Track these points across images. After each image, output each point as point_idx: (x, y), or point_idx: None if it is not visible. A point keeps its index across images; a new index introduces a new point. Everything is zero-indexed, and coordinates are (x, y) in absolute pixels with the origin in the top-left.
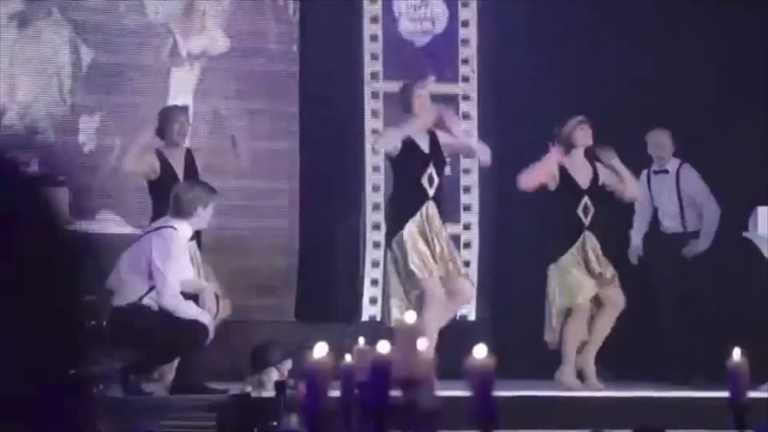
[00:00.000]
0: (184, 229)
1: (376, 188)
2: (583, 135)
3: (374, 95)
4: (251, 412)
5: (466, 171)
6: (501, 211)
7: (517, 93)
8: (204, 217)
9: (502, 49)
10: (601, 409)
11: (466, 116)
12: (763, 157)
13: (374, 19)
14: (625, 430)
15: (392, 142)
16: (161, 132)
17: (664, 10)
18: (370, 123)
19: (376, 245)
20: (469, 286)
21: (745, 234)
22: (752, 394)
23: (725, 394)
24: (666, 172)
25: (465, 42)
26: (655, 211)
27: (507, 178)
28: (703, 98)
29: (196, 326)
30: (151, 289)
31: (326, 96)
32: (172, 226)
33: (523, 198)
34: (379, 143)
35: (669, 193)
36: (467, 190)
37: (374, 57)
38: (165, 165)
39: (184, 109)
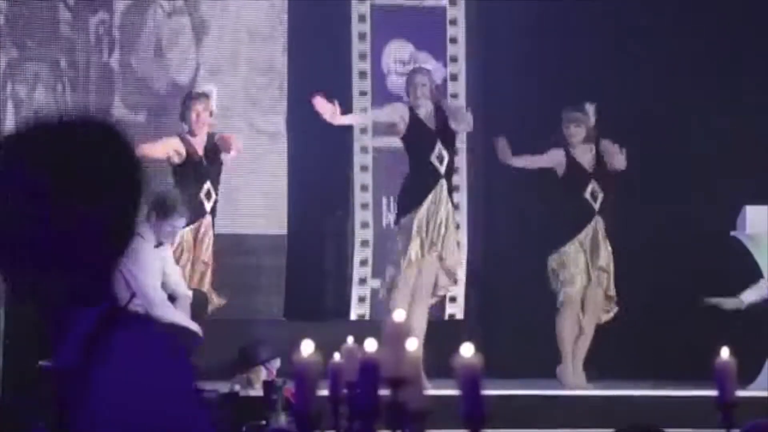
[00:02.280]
0: (147, 236)
1: (364, 188)
2: (573, 132)
3: (363, 150)
4: (239, 411)
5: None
6: (492, 202)
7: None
8: (178, 226)
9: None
10: (590, 409)
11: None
12: (751, 156)
13: (363, 75)
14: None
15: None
16: (183, 117)
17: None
18: (358, 108)
19: (365, 244)
20: (444, 280)
21: (733, 233)
22: (740, 394)
23: (713, 393)
24: None
25: (454, 96)
26: None
27: (497, 186)
28: (692, 96)
29: (187, 333)
30: (134, 295)
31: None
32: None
33: (517, 189)
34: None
35: None
36: (456, 189)
37: (362, 110)
38: (190, 149)
39: (204, 96)
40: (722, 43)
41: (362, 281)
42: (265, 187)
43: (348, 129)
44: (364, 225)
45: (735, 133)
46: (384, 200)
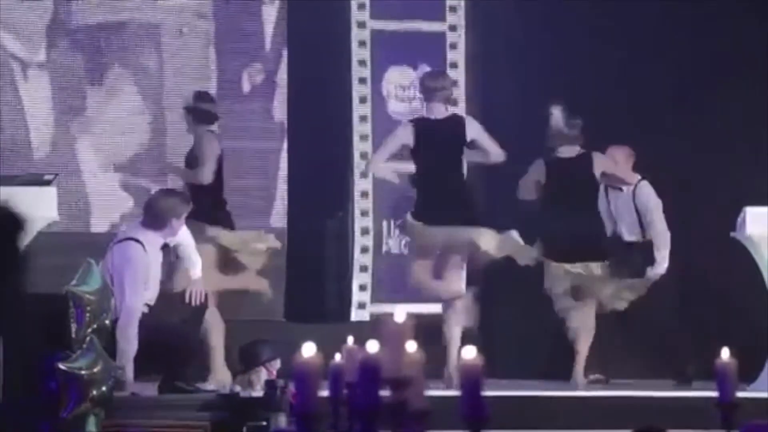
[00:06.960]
0: (151, 240)
1: (364, 194)
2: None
3: (363, 176)
4: (240, 411)
5: None
6: (490, 209)
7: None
8: (176, 227)
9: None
10: (591, 409)
11: None
12: (751, 156)
13: (363, 100)
14: (621, 430)
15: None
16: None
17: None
18: (359, 134)
19: (365, 250)
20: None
21: (733, 234)
22: (741, 394)
23: (714, 393)
24: (621, 190)
25: None
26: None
27: (496, 181)
28: (691, 95)
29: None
30: None
31: (317, 102)
32: (136, 239)
33: (515, 190)
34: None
35: (628, 210)
36: None
37: (363, 138)
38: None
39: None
40: (722, 43)
41: (362, 288)
42: (265, 187)
43: (348, 133)
44: (365, 231)
45: (735, 133)
46: (385, 225)
